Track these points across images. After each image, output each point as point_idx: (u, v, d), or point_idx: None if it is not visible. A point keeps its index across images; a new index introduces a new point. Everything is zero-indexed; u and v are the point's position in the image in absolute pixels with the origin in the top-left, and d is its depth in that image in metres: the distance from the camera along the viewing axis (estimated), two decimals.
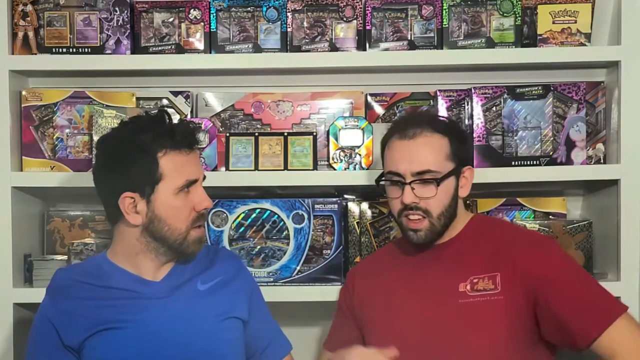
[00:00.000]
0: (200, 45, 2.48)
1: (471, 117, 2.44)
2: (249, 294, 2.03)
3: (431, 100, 2.52)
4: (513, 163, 2.42)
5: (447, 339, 1.92)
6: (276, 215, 2.42)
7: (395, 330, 1.99)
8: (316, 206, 2.42)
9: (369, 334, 2.06)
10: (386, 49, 2.47)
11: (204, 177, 1.94)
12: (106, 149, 1.89)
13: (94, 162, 1.95)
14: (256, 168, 2.42)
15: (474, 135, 2.43)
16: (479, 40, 2.46)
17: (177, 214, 1.84)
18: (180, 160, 1.84)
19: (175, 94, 2.52)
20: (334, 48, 2.47)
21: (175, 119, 2.46)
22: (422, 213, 1.98)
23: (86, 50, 2.46)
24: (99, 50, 2.45)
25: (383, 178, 2.06)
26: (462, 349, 1.90)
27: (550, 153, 2.41)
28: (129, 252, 1.88)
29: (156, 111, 1.92)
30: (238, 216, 2.42)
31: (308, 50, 2.47)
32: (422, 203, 1.98)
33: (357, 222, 2.44)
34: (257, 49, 2.48)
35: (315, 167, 2.43)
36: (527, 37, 2.48)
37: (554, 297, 1.87)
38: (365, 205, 2.43)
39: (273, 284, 2.41)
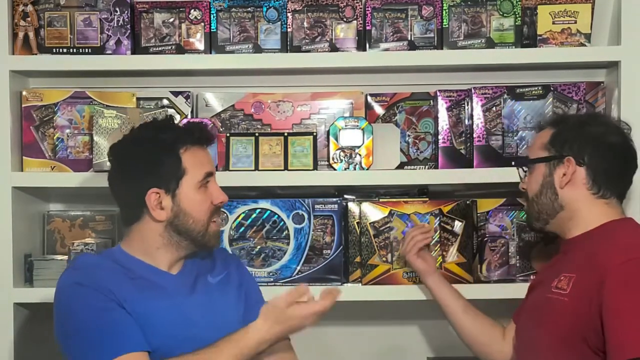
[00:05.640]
0: (200, 46, 2.48)
1: (471, 117, 2.45)
2: (247, 288, 2.08)
3: (431, 101, 2.52)
4: (513, 163, 2.42)
5: (527, 330, 2.01)
6: (276, 215, 2.42)
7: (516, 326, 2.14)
8: (316, 206, 2.42)
9: None
10: (386, 49, 2.47)
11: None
12: (127, 151, 1.97)
13: (112, 166, 2.00)
14: (256, 168, 2.42)
15: (474, 135, 2.43)
16: (479, 41, 2.46)
17: (200, 207, 1.93)
18: (200, 155, 1.96)
19: (176, 94, 2.52)
20: (334, 48, 2.47)
21: (176, 119, 2.48)
22: (524, 198, 2.11)
23: (87, 50, 2.46)
24: (99, 50, 2.45)
25: None
26: (532, 343, 1.97)
27: None
28: (149, 248, 1.94)
29: (163, 116, 2.06)
30: (238, 216, 2.43)
31: (308, 51, 2.47)
32: (526, 187, 2.09)
33: (357, 222, 2.44)
34: (257, 49, 2.48)
35: (315, 167, 2.43)
36: (527, 37, 2.48)
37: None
38: (365, 205, 2.43)
39: (273, 284, 2.41)
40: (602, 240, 1.91)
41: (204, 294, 1.97)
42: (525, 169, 2.08)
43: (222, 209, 2.41)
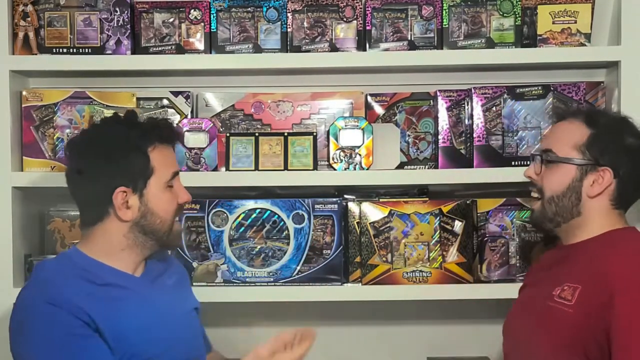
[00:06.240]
0: (200, 46, 2.48)
1: (471, 117, 2.45)
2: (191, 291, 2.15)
3: (431, 101, 2.52)
4: (513, 163, 2.42)
5: (522, 335, 1.95)
6: (276, 215, 2.42)
7: (504, 322, 2.08)
8: (316, 206, 2.42)
9: None
10: (386, 49, 2.47)
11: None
12: (92, 148, 1.90)
13: (72, 163, 1.92)
14: (256, 168, 2.42)
15: (474, 135, 2.43)
16: (479, 41, 2.46)
17: (167, 207, 1.91)
18: (167, 154, 1.93)
19: (176, 94, 2.52)
20: (334, 48, 2.47)
21: (176, 119, 2.48)
22: (537, 191, 1.97)
23: (86, 50, 2.46)
24: (99, 50, 2.45)
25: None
26: (530, 348, 1.91)
27: None
28: (112, 249, 1.89)
29: (126, 112, 1.99)
30: (238, 216, 2.43)
31: (308, 51, 2.47)
32: (541, 180, 1.96)
33: (357, 222, 2.44)
34: (257, 49, 2.48)
35: (315, 167, 2.43)
36: (527, 37, 2.48)
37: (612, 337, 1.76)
38: (365, 205, 2.43)
39: (273, 284, 2.41)
40: (609, 251, 1.86)
41: (167, 294, 1.96)
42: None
43: (222, 209, 2.42)
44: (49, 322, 1.76)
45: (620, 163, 1.89)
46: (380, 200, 2.45)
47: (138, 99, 2.50)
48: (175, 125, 2.01)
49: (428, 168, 2.50)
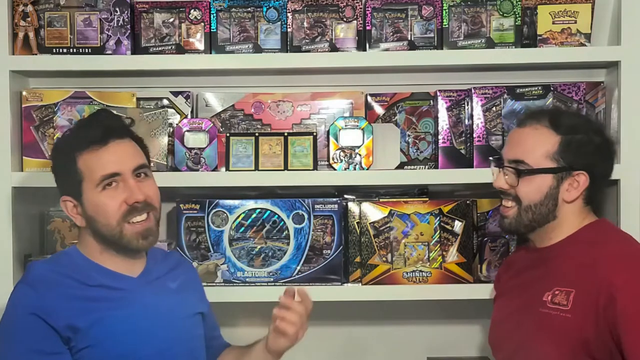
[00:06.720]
0: (200, 46, 2.48)
1: (471, 117, 2.45)
2: (202, 288, 2.13)
3: (431, 101, 2.52)
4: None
5: (519, 343, 1.92)
6: (276, 215, 2.42)
7: (491, 333, 2.08)
8: (316, 206, 2.42)
9: None
10: (386, 49, 2.47)
11: (141, 167, 1.90)
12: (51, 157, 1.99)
13: None
14: (256, 168, 2.42)
15: (474, 135, 2.44)
16: (479, 41, 2.46)
17: (103, 210, 1.85)
18: (97, 157, 1.85)
19: (176, 94, 2.52)
20: (334, 48, 2.47)
21: (176, 119, 2.48)
22: (513, 200, 1.95)
23: (86, 50, 2.46)
24: (99, 50, 2.45)
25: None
26: (531, 355, 1.88)
27: None
28: (96, 251, 1.90)
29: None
30: (238, 216, 2.43)
31: (308, 51, 2.47)
32: (514, 190, 1.94)
33: (357, 222, 2.44)
34: (257, 49, 2.48)
35: (315, 167, 2.43)
36: (527, 37, 2.48)
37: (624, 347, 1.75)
38: (365, 205, 2.43)
39: (273, 284, 2.41)
40: (595, 251, 1.86)
41: (166, 296, 1.94)
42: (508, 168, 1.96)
43: (222, 209, 2.41)
44: (25, 332, 1.78)
45: (592, 164, 1.92)
46: (380, 200, 2.45)
47: (138, 99, 2.50)
48: (118, 119, 1.95)
49: (428, 168, 2.51)
